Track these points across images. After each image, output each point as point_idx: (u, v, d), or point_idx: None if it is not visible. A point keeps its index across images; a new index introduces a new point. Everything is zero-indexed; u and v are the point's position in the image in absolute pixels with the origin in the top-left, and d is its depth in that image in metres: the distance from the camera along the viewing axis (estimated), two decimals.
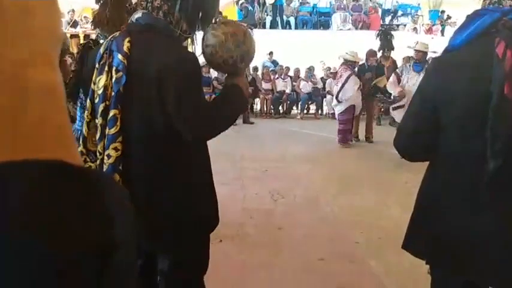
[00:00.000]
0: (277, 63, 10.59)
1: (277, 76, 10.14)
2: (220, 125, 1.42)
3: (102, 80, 1.30)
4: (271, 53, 10.71)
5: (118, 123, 1.28)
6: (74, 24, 12.85)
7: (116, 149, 1.28)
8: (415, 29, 12.96)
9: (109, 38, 1.37)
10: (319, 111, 10.19)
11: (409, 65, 5.83)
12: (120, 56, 1.28)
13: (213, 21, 1.47)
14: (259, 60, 9.35)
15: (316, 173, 5.07)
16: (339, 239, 3.22)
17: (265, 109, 9.95)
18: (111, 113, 1.28)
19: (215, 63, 1.45)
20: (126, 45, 1.29)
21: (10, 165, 0.24)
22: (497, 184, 1.11)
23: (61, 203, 0.24)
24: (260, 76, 9.91)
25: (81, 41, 11.91)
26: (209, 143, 1.48)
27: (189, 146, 1.37)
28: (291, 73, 10.22)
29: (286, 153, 5.94)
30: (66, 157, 0.27)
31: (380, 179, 4.77)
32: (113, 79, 1.29)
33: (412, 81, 5.41)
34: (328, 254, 2.91)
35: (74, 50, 10.40)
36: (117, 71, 1.28)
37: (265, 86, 9.83)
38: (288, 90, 10.01)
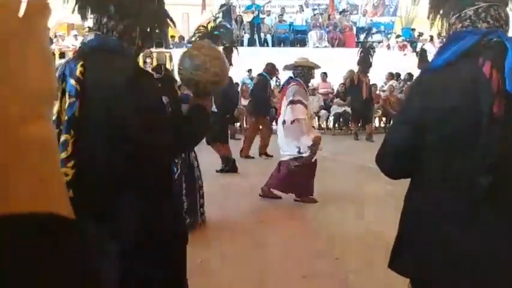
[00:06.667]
0: None
1: None
2: (183, 143, 1.44)
3: (55, 107, 1.31)
4: (250, 70, 10.79)
5: (69, 148, 1.27)
6: (50, 41, 12.67)
7: (65, 174, 1.27)
8: (388, 46, 13.34)
9: (64, 62, 1.38)
10: None
11: None
12: (72, 81, 1.29)
13: (164, 33, 1.49)
14: (238, 77, 9.42)
15: None
16: (319, 255, 3.22)
17: (245, 125, 9.96)
18: (62, 137, 1.28)
19: (190, 84, 1.49)
20: (79, 69, 1.29)
21: (3, 218, 0.25)
22: (489, 201, 1.12)
23: (46, 256, 0.25)
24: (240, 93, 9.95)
25: (57, 59, 11.74)
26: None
27: (151, 168, 1.37)
28: None
29: (268, 169, 5.94)
30: (58, 209, 0.28)
31: (359, 193, 4.82)
32: (66, 104, 1.29)
33: None
34: (312, 271, 2.90)
35: None
36: (70, 96, 1.29)
37: (245, 102, 9.86)
38: None
